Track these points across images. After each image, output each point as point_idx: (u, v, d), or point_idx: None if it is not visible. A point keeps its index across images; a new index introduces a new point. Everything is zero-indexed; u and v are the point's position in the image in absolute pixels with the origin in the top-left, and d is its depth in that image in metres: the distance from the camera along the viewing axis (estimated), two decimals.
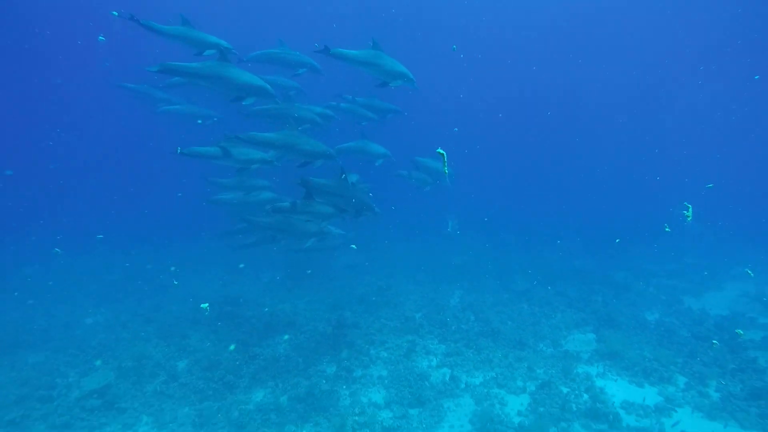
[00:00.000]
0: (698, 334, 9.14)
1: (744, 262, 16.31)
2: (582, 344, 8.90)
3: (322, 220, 7.76)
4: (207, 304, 6.81)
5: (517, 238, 19.48)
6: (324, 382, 7.49)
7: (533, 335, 9.31)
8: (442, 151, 3.12)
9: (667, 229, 8.77)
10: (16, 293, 11.70)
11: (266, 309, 11.17)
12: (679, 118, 40.79)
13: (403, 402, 7.01)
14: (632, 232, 22.05)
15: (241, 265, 13.72)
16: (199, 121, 11.96)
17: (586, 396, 7.00)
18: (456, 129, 32.89)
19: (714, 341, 8.59)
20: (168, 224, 24.83)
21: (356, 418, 6.52)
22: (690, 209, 5.78)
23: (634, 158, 39.69)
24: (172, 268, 14.20)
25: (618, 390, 7.25)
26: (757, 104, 35.55)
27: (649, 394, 7.08)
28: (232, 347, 8.54)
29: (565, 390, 7.17)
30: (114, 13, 7.32)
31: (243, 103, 7.31)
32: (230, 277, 15.11)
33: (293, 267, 15.54)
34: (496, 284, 13.37)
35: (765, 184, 34.55)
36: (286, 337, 9.47)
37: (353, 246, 9.87)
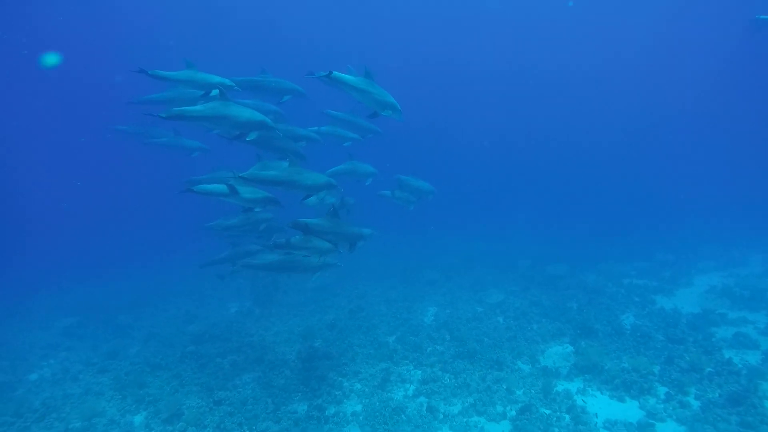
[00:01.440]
0: (673, 336, 9.08)
1: (709, 255, 16.67)
2: (560, 358, 8.70)
3: (323, 254, 7.42)
4: None
5: (489, 247, 19.43)
6: (294, 426, 6.99)
7: (510, 352, 9.05)
8: None
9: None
10: None
11: (233, 344, 10.59)
12: (655, 114, 42.05)
13: None
14: (603, 231, 22.41)
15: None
16: (195, 154, 11.84)
17: (567, 417, 6.75)
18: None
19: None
20: (126, 251, 23.80)
21: None
22: None
23: (606, 155, 40.58)
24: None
25: (599, 407, 7.03)
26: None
27: (631, 410, 6.90)
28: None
29: (546, 412, 6.91)
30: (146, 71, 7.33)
31: (247, 139, 7.15)
32: (196, 310, 14.38)
33: (262, 292, 14.94)
34: (469, 296, 13.14)
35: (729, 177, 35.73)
36: (254, 376, 8.93)
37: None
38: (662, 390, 7.33)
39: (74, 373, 9.07)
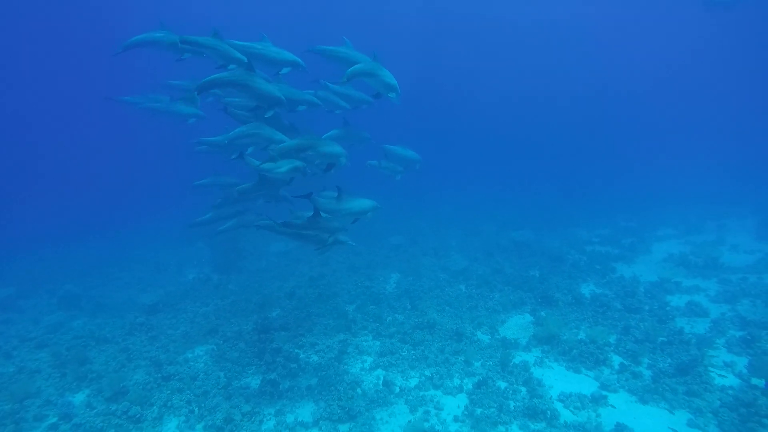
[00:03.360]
0: (630, 306, 9.19)
1: (669, 221, 17.04)
2: (520, 329, 8.69)
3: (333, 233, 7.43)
4: None
5: (456, 212, 19.29)
6: (245, 403, 6.73)
7: (471, 322, 8.98)
8: None
9: None
10: None
11: (187, 315, 10.15)
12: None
13: (332, 417, 6.40)
14: (571, 193, 22.60)
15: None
16: (191, 121, 11.12)
17: (524, 390, 6.73)
18: None
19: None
20: (82, 218, 22.65)
21: None
22: None
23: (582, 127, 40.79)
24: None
25: (555, 379, 7.05)
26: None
27: (585, 382, 6.94)
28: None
29: (503, 385, 6.87)
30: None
31: (265, 116, 7.46)
32: (151, 277, 13.79)
33: (222, 258, 14.43)
34: (433, 263, 13.01)
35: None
36: (206, 349, 8.58)
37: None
38: (617, 360, 7.40)
39: (7, 349, 8.45)
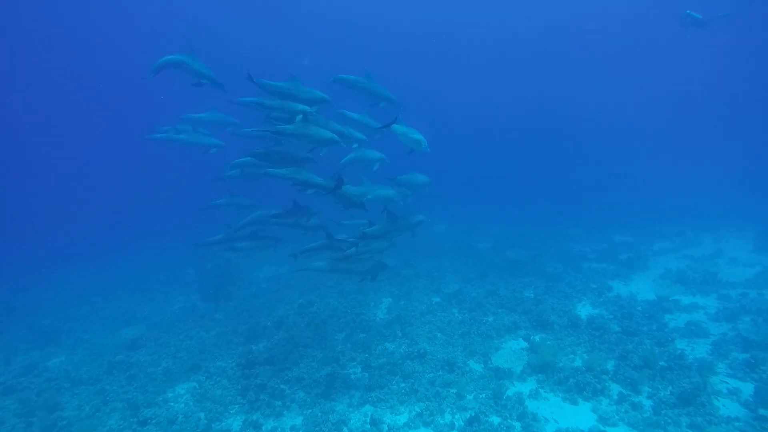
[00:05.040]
0: (628, 328, 8.87)
1: (666, 234, 16.79)
2: (514, 356, 8.32)
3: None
4: None
5: (450, 229, 19.01)
6: None
7: (463, 350, 8.63)
8: None
9: None
10: None
11: (169, 350, 9.79)
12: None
13: None
14: (567, 207, 22.35)
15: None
16: (212, 151, 11.92)
17: (518, 426, 6.37)
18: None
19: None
20: (69, 241, 22.31)
21: None
22: None
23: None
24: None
25: (551, 412, 6.68)
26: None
27: (583, 414, 6.58)
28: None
29: (496, 421, 6.51)
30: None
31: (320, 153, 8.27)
32: (137, 307, 13.41)
33: (210, 285, 14.09)
34: (426, 285, 12.68)
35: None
36: (188, 387, 8.20)
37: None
38: (615, 389, 7.05)
39: None
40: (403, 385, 7.65)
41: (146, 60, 9.49)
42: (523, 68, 42.99)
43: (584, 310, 10.29)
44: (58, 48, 33.33)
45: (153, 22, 35.63)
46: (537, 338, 8.80)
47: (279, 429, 6.83)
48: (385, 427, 6.63)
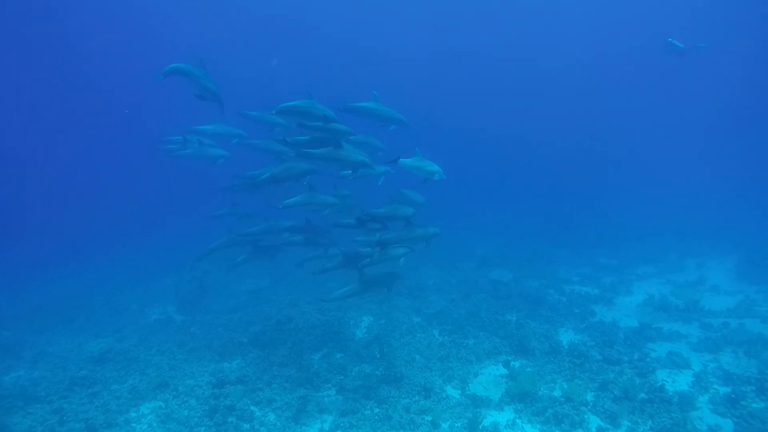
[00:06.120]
0: (610, 357, 8.72)
1: (649, 258, 16.82)
2: (492, 383, 8.10)
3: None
4: None
5: (435, 248, 18.78)
6: None
7: (441, 374, 8.40)
8: None
9: None
10: None
11: (138, 365, 9.41)
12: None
13: None
14: (548, 233, 22.35)
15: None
16: (220, 162, 12.02)
17: None
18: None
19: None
20: (41, 249, 21.70)
21: None
22: None
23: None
24: None
25: None
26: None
27: None
28: None
29: None
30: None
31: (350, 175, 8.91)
32: (109, 319, 12.98)
33: (188, 297, 13.72)
34: (408, 305, 12.46)
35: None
36: (153, 406, 7.84)
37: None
38: (594, 422, 6.86)
39: None
40: (377, 410, 7.38)
41: (145, 64, 9.72)
42: (506, 84, 43.49)
43: (566, 335, 10.13)
44: (58, 48, 32.91)
45: (153, 25, 35.45)
46: (517, 364, 8.61)
47: None
48: None
